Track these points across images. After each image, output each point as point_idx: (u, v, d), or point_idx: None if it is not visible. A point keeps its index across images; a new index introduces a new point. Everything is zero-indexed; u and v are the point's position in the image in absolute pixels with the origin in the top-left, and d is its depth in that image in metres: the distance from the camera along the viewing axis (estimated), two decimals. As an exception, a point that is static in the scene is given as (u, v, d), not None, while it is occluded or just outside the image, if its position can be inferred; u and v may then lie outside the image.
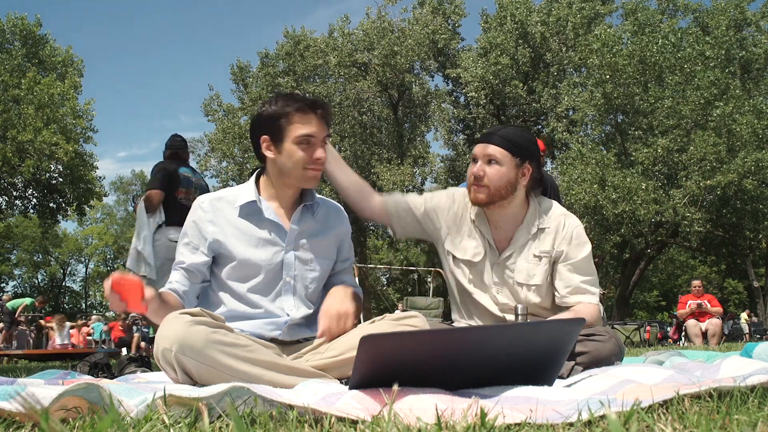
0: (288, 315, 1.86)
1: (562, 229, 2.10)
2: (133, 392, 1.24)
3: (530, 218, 2.11)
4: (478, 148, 2.06)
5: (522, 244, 2.10)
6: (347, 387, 1.21)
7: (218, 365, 1.48)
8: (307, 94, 2.09)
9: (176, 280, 1.88)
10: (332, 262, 2.00)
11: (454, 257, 2.16)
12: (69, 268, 44.45)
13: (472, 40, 25.25)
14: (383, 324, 1.78)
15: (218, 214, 1.88)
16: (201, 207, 1.89)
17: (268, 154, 1.84)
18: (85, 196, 19.49)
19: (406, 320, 1.77)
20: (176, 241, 4.28)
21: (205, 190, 4.52)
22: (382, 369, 1.13)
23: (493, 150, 2.02)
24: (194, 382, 1.52)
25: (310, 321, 1.91)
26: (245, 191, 1.90)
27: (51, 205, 19.72)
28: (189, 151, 4.81)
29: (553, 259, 2.09)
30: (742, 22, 19.52)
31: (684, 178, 16.96)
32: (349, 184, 2.18)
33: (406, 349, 1.16)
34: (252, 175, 1.97)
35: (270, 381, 1.51)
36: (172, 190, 4.39)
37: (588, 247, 2.13)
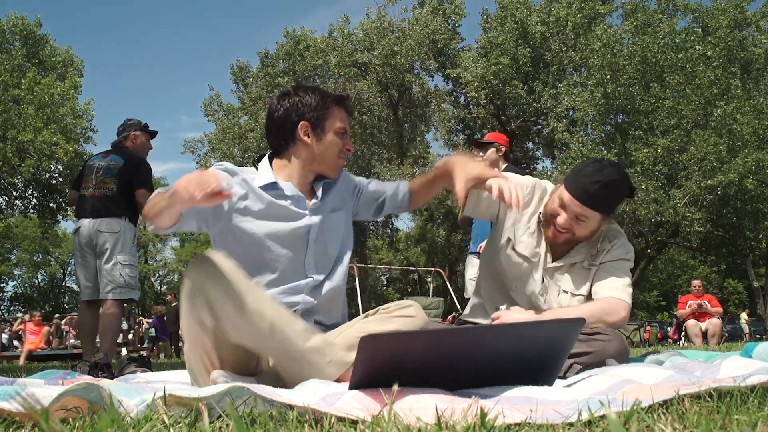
0: (311, 277, 1.86)
1: (614, 248, 2.13)
2: (133, 392, 1.24)
3: (594, 241, 2.13)
4: (573, 205, 1.98)
5: (576, 260, 2.12)
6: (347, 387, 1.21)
7: (245, 301, 1.50)
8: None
9: None
10: (347, 239, 2.01)
11: (513, 246, 2.16)
12: (69, 268, 44.42)
13: (472, 40, 25.28)
14: (377, 318, 1.76)
15: (243, 180, 1.87)
16: (227, 170, 1.87)
17: (306, 139, 1.88)
18: (85, 196, 19.47)
19: (400, 311, 1.74)
20: (83, 228, 4.12)
21: (113, 170, 4.20)
22: (382, 369, 1.13)
23: (588, 212, 1.99)
24: (211, 325, 1.52)
25: (323, 307, 1.90)
26: (262, 173, 1.90)
27: (51, 205, 19.72)
28: (128, 132, 4.38)
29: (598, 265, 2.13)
30: (742, 22, 19.52)
31: (684, 178, 16.96)
32: None
33: (406, 349, 1.16)
34: (259, 160, 1.97)
35: (282, 334, 1.51)
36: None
37: (629, 257, 2.14)
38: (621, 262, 2.12)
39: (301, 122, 1.87)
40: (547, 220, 2.09)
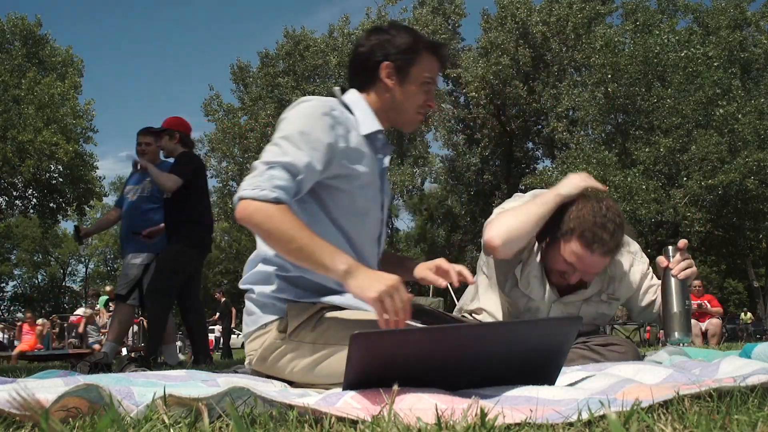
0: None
1: (634, 264, 2.06)
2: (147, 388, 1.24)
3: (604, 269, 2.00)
4: (591, 261, 1.85)
5: (591, 293, 2.02)
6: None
7: None
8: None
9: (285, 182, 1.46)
10: None
11: (516, 285, 2.03)
12: (69, 268, 44.44)
13: (472, 40, 25.28)
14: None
15: (348, 129, 1.59)
16: (333, 115, 1.56)
17: (388, 82, 1.65)
18: (85, 196, 19.55)
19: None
20: None
21: None
22: (377, 368, 1.12)
23: (608, 260, 1.90)
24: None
25: None
26: (364, 116, 1.64)
27: (51, 205, 19.74)
28: None
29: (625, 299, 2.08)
30: (742, 22, 19.53)
31: (685, 178, 16.96)
32: None
33: (401, 348, 1.15)
34: (343, 93, 1.71)
35: None
36: None
37: (644, 262, 2.10)
38: (642, 279, 2.06)
39: (386, 62, 1.64)
40: (556, 274, 1.96)
